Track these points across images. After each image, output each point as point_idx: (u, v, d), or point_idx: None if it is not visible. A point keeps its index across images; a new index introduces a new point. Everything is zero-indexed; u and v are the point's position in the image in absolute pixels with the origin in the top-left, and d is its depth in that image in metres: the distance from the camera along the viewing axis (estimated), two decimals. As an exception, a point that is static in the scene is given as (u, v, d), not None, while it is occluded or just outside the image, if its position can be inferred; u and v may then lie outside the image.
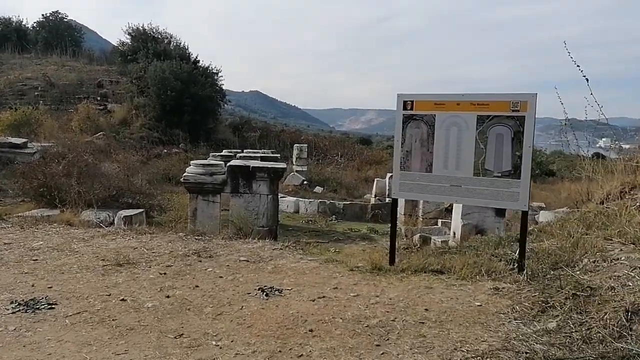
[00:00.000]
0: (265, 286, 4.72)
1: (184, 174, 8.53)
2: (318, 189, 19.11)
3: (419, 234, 10.96)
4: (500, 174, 4.88)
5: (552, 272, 4.69)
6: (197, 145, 27.22)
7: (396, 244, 11.09)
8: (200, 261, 5.69)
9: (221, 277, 5.08)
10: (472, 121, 4.97)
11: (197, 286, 4.79)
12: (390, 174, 16.99)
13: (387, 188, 16.01)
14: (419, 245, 10.57)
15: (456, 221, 9.53)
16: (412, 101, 5.30)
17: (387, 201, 15.76)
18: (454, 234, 9.56)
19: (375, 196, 16.22)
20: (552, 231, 5.80)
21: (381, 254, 6.28)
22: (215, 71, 33.38)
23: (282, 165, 8.90)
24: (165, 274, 5.19)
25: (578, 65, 6.37)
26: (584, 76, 6.41)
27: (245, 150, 14.07)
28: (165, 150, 24.04)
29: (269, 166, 8.74)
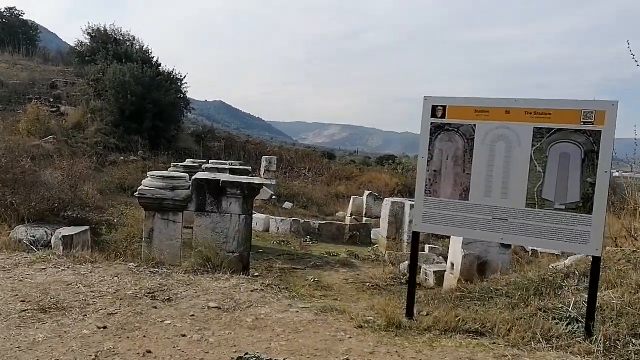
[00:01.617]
0: (246, 355, 3.36)
1: (140, 188, 7.11)
2: (288, 205, 17.76)
3: (407, 262, 9.73)
4: (564, 207, 3.67)
5: (633, 341, 3.50)
6: (158, 154, 25.53)
7: (382, 272, 9.89)
8: (156, 307, 4.28)
9: (184, 335, 3.69)
10: (526, 135, 3.77)
11: (149, 352, 3.39)
12: (369, 192, 15.85)
13: (365, 207, 14.80)
14: (407, 276, 9.35)
15: (455, 250, 8.34)
16: (444, 106, 4.07)
17: (364, 221, 14.54)
18: (452, 265, 8.36)
19: (352, 215, 14.98)
20: (610, 279, 4.64)
21: (389, 299, 4.99)
22: (179, 77, 31.80)
23: (258, 180, 7.57)
24: (105, 327, 3.77)
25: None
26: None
27: (211, 161, 12.66)
28: (122, 158, 22.26)
29: (243, 181, 7.39)
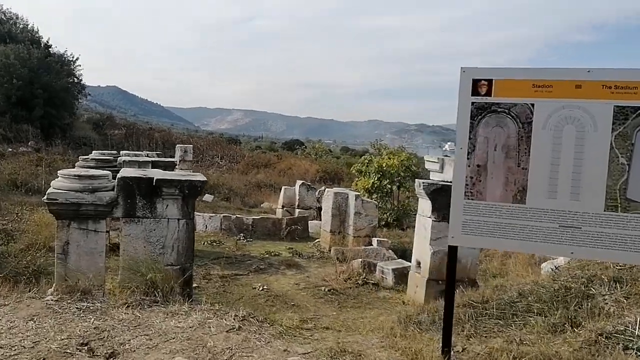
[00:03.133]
0: None
1: (49, 192, 5.57)
2: (208, 197, 16.32)
3: (360, 260, 8.85)
4: (657, 209, 2.84)
5: None
6: (52, 144, 22.88)
7: (334, 272, 8.91)
8: (98, 370, 2.99)
9: None
10: (605, 116, 2.89)
11: None
12: (302, 182, 14.79)
13: (297, 197, 13.76)
14: (364, 275, 8.48)
15: (422, 247, 7.53)
16: (489, 80, 3.09)
17: (297, 213, 13.50)
18: (419, 263, 7.56)
19: (283, 207, 13.88)
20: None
21: (406, 326, 4.01)
22: (71, 59, 28.85)
23: (200, 177, 6.27)
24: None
25: None
26: None
27: (123, 153, 11.00)
28: (11, 150, 19.58)
29: (182, 178, 6.05)
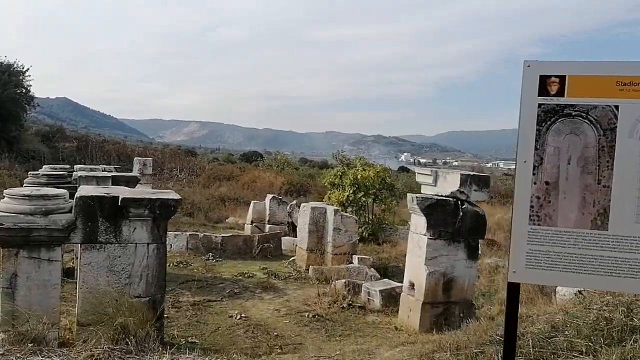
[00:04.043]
0: None
1: (-7, 215, 4.68)
2: (170, 213, 15.31)
3: (343, 281, 8.18)
4: None
5: None
6: (-2, 157, 21.41)
7: (315, 295, 8.18)
8: None
9: None
10: None
11: None
12: (272, 195, 14.01)
13: (268, 212, 12.97)
14: (349, 297, 7.82)
15: (415, 267, 6.91)
16: (561, 77, 2.49)
17: (267, 229, 12.71)
18: (412, 285, 6.93)
19: (252, 222, 13.06)
20: None
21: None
22: (21, 69, 27.29)
23: (174, 195, 5.44)
24: None
25: None
26: None
27: (78, 167, 9.99)
28: (-49, 164, 18.06)
29: (153, 197, 5.21)
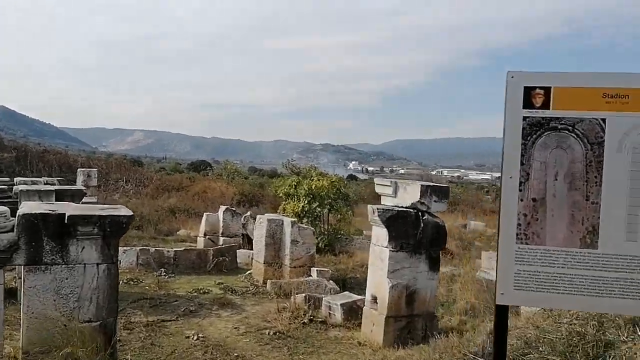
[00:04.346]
0: None
1: None
2: (117, 227, 14.67)
3: (303, 295, 7.97)
4: None
5: None
6: None
7: (275, 311, 7.91)
8: None
9: None
10: (698, 135, 2.27)
11: None
12: (226, 207, 13.62)
13: (222, 224, 12.60)
14: (310, 312, 7.62)
15: (377, 280, 6.78)
16: (546, 89, 2.39)
17: (221, 241, 12.35)
18: (374, 298, 6.79)
19: (205, 235, 12.65)
20: None
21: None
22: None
23: (125, 212, 5.09)
24: None
25: None
26: None
27: (19, 180, 9.35)
28: None
29: (103, 214, 4.84)
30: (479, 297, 8.54)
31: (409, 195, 6.80)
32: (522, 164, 2.41)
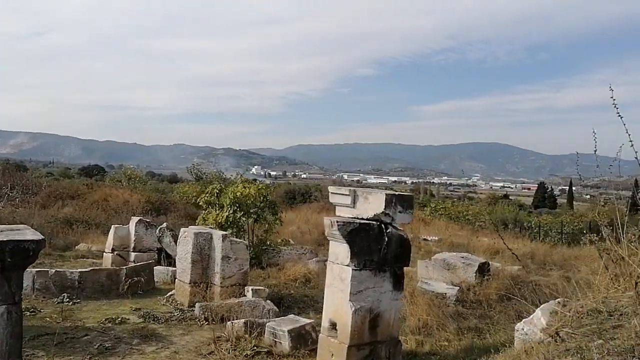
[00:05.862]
0: None
1: None
2: (3, 242, 12.62)
3: (243, 321, 6.92)
4: None
5: None
6: None
7: (209, 340, 6.76)
8: None
9: None
10: None
11: None
12: (139, 218, 12.05)
13: (134, 238, 11.11)
14: (253, 342, 6.60)
15: (337, 303, 5.87)
16: None
17: (132, 257, 10.88)
18: (333, 325, 5.87)
19: (114, 250, 11.08)
20: None
21: None
22: None
23: (32, 235, 3.80)
24: None
25: None
26: None
27: None
28: None
29: (2, 239, 3.54)
30: (430, 312, 7.94)
31: (371, 206, 5.99)
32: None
